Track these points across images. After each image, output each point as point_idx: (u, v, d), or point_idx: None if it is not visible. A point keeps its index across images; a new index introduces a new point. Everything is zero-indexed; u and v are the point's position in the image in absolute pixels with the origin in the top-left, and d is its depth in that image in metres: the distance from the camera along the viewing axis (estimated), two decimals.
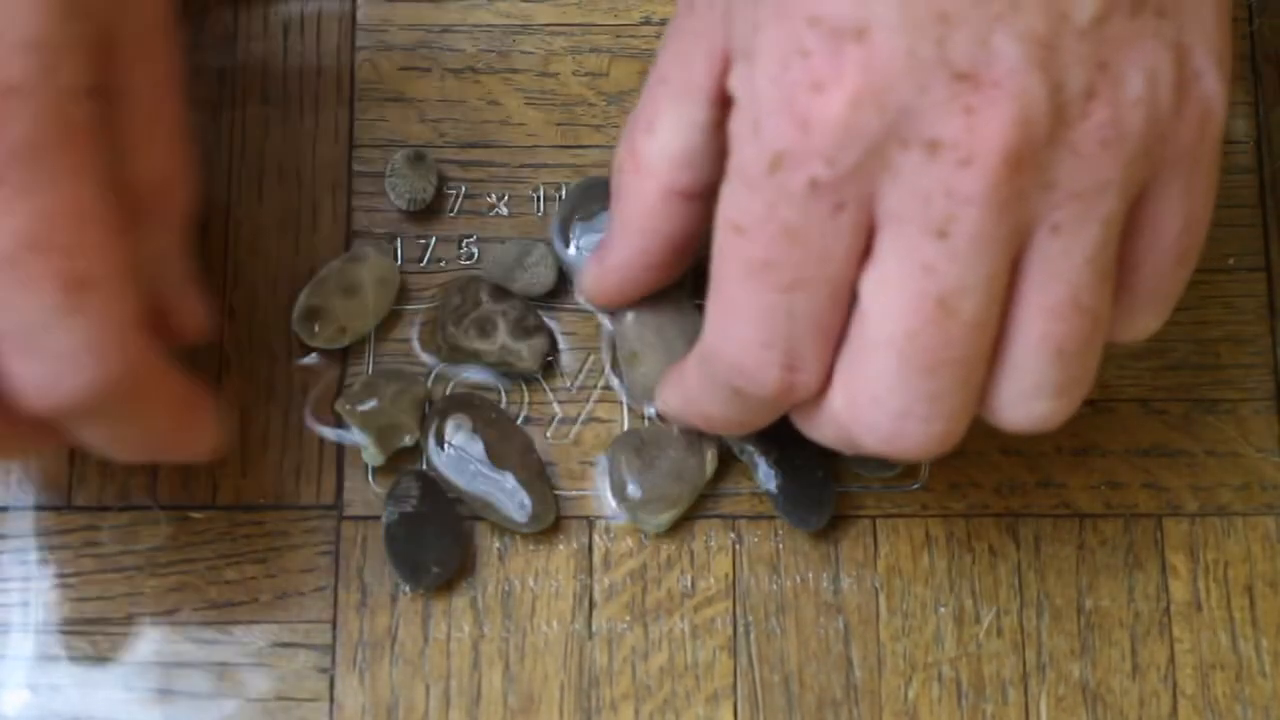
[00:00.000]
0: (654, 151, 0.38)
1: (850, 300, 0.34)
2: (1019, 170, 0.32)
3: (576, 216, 0.45)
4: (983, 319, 0.33)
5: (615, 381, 0.45)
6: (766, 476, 0.44)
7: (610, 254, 0.40)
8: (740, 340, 0.35)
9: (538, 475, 0.44)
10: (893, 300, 0.33)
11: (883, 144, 0.32)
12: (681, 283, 0.43)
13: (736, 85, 0.34)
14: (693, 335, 0.44)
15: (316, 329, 0.45)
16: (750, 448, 0.44)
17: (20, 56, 0.31)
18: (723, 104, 0.36)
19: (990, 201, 0.32)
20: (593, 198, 0.45)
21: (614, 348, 0.45)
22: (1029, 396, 0.35)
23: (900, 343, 0.33)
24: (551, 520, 0.44)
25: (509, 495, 0.44)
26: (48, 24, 0.32)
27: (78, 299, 0.32)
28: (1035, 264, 0.33)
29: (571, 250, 0.45)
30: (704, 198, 0.38)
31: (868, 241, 0.33)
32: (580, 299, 0.40)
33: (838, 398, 0.35)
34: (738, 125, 0.34)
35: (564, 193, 0.46)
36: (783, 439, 0.44)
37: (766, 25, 0.33)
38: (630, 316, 0.44)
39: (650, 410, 0.45)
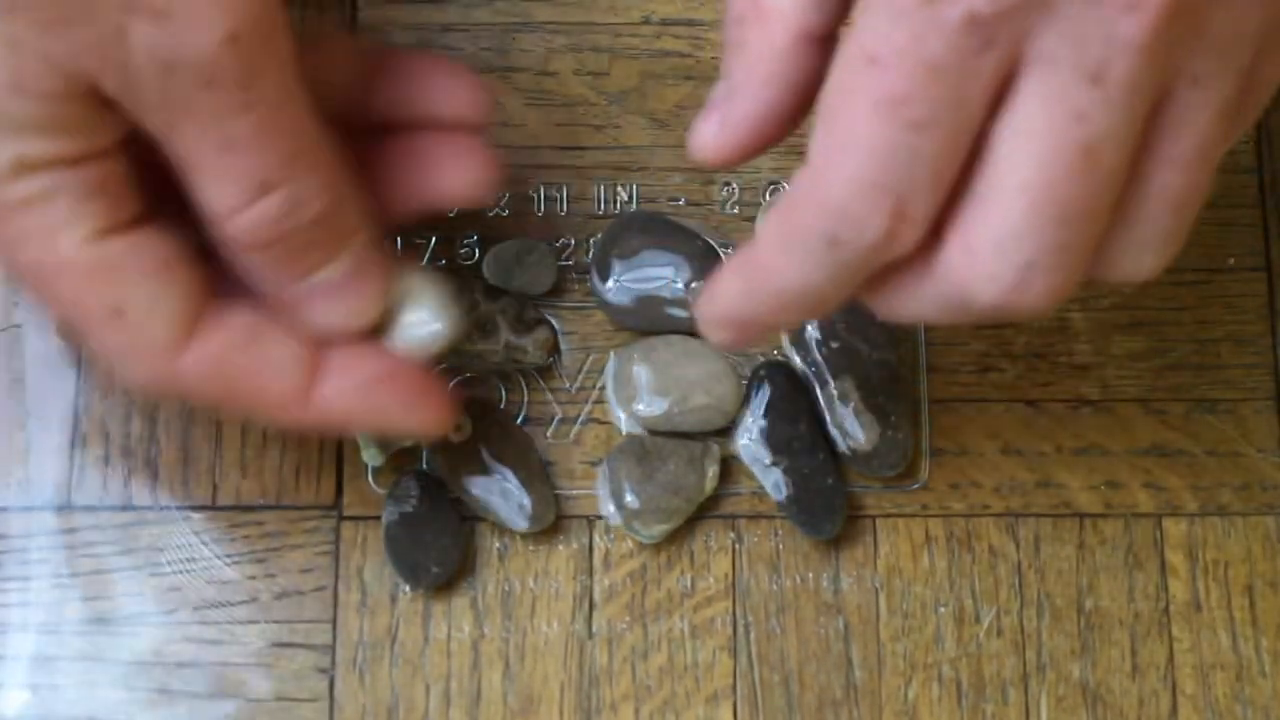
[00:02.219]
0: None
1: (972, 148, 0.33)
2: (1179, 16, 0.31)
3: (614, 253, 0.45)
4: (1121, 168, 0.33)
5: (620, 414, 0.45)
6: (776, 486, 0.44)
7: (734, 109, 0.37)
8: (852, 178, 0.33)
9: (538, 475, 0.44)
10: (1034, 146, 0.32)
11: None
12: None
13: None
14: (697, 376, 0.44)
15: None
16: (761, 459, 0.44)
17: None
18: None
19: (1148, 48, 0.31)
20: (631, 233, 0.45)
21: (615, 381, 0.45)
22: (1141, 249, 0.35)
23: (1037, 190, 0.32)
24: (551, 520, 0.44)
25: (509, 495, 0.44)
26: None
27: (70, 331, 0.37)
28: (1172, 114, 0.33)
29: (611, 285, 0.45)
30: (831, 40, 0.36)
31: (1004, 85, 0.32)
32: (696, 155, 0.38)
33: (954, 250, 0.34)
34: None
35: (597, 236, 0.46)
36: (792, 448, 0.44)
37: None
38: (637, 354, 0.44)
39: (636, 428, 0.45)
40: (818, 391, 0.45)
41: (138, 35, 0.33)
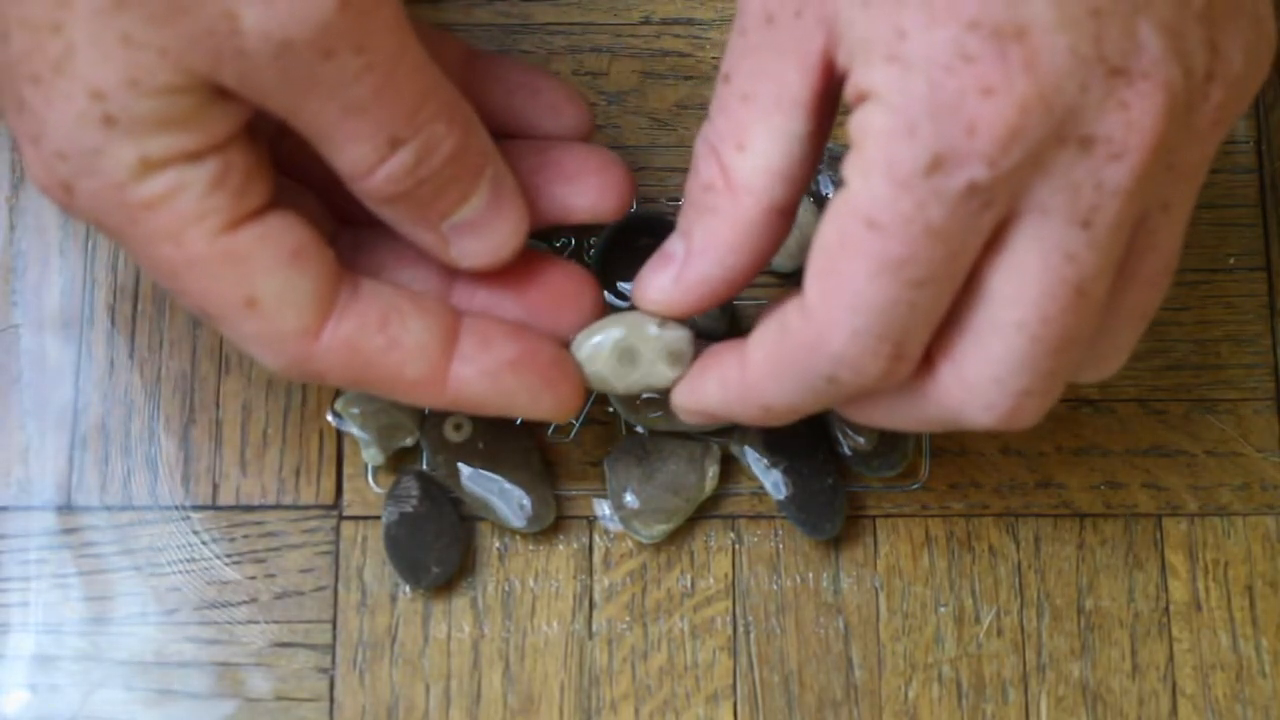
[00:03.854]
0: (749, 169, 0.37)
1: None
2: (1158, 157, 0.33)
3: (615, 253, 0.45)
4: (1105, 297, 0.35)
5: (622, 414, 0.45)
6: (776, 486, 0.44)
7: (693, 270, 0.39)
8: (854, 333, 0.34)
9: (538, 475, 0.44)
10: (1029, 287, 0.34)
11: (1042, 145, 0.32)
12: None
13: (879, 81, 0.33)
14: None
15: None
16: (761, 458, 0.44)
17: (59, 163, 0.34)
18: (819, 110, 0.36)
19: (1132, 190, 0.33)
20: (631, 234, 0.45)
21: (617, 400, 0.45)
22: (1108, 358, 0.37)
23: (1034, 327, 0.34)
24: (550, 521, 0.44)
25: (508, 495, 0.44)
26: (75, 137, 0.34)
27: (208, 324, 0.37)
28: (1144, 239, 0.35)
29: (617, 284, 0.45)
30: (791, 216, 0.38)
31: (998, 231, 0.34)
32: (642, 303, 0.39)
33: (948, 381, 0.36)
34: (880, 121, 0.33)
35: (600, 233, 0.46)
36: (792, 449, 0.44)
37: (916, 31, 0.33)
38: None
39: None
40: None
41: (249, 18, 0.33)
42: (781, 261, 0.46)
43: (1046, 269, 0.34)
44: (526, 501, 0.44)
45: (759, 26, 0.36)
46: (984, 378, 0.35)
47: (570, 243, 0.46)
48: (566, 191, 0.40)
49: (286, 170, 0.39)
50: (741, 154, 0.37)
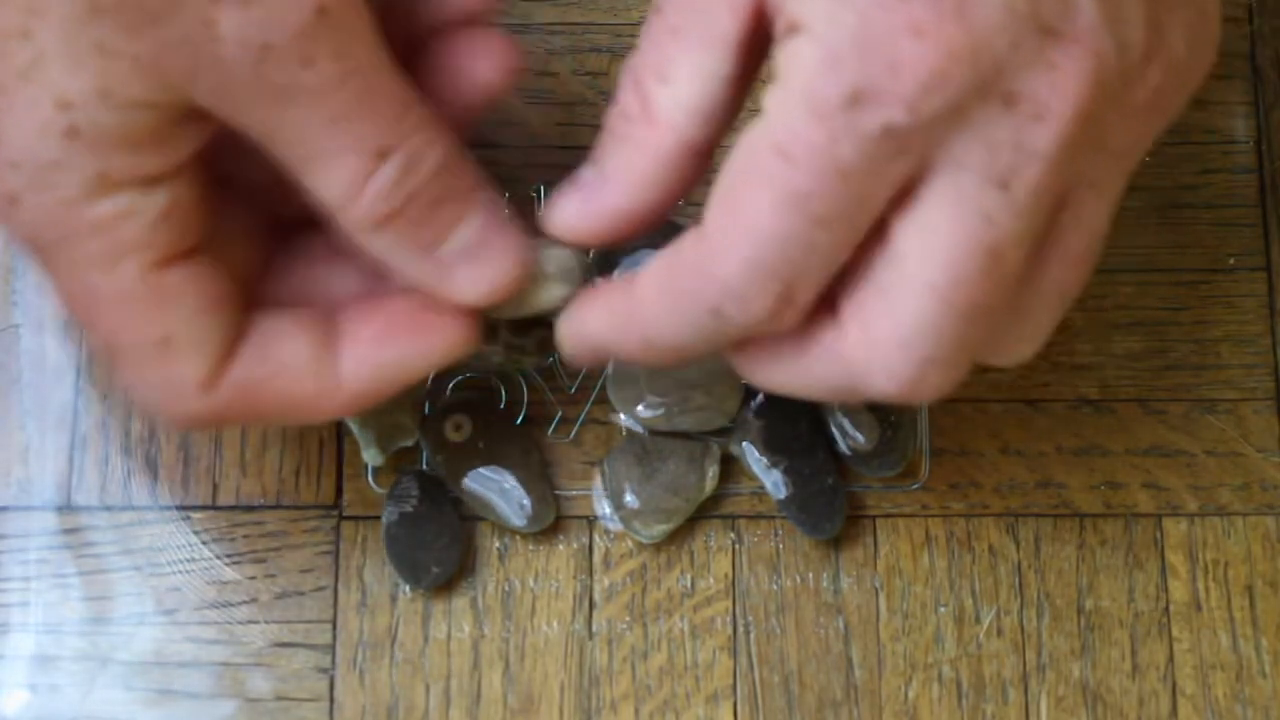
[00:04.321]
0: (669, 103, 0.36)
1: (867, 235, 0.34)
2: (1085, 127, 0.32)
3: (614, 253, 0.45)
4: (1021, 267, 0.34)
5: (621, 415, 0.45)
6: (776, 486, 0.44)
7: (602, 198, 0.38)
8: (746, 260, 0.34)
9: (538, 475, 0.44)
10: (942, 246, 0.33)
11: (964, 95, 0.32)
12: None
13: (808, 12, 0.33)
14: (697, 376, 0.44)
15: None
16: (761, 458, 0.44)
17: (11, 173, 0.33)
18: (745, 53, 0.35)
19: (1054, 157, 0.32)
20: None
21: (615, 382, 0.45)
22: (1024, 339, 0.36)
23: (944, 289, 0.33)
24: (551, 520, 0.44)
25: (508, 495, 0.44)
26: (33, 149, 0.33)
27: (113, 362, 0.36)
28: (1068, 215, 0.34)
29: (615, 277, 0.45)
30: (708, 157, 0.37)
31: (909, 182, 0.33)
32: (552, 227, 0.38)
33: (853, 335, 0.35)
34: (806, 51, 0.33)
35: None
36: (792, 449, 0.44)
37: None
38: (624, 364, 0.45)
39: (627, 421, 0.45)
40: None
41: (228, 23, 0.33)
42: None
43: (962, 228, 0.33)
44: (526, 501, 0.44)
45: None
46: (889, 338, 0.34)
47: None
48: (460, 79, 0.39)
49: (218, 176, 0.37)
50: (663, 86, 0.36)
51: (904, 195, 0.33)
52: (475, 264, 0.37)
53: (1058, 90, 0.32)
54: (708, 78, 0.36)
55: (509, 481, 0.44)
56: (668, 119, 0.36)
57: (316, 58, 0.34)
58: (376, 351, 0.38)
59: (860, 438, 0.44)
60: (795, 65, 0.33)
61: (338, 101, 0.35)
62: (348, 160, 0.35)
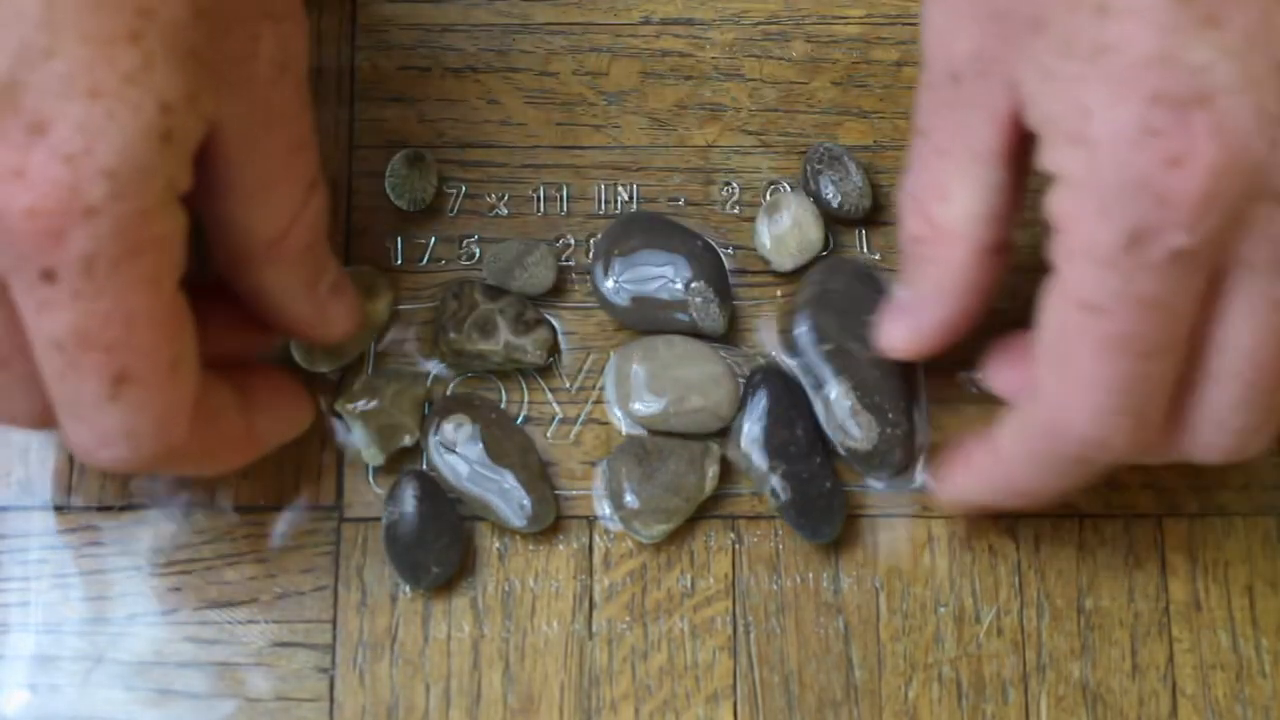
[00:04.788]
0: (955, 217, 0.39)
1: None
2: None
3: (615, 251, 0.45)
4: None
5: (617, 412, 0.45)
6: (775, 491, 0.44)
7: (926, 317, 0.41)
8: (1094, 411, 0.35)
9: (538, 475, 0.44)
10: (1242, 337, 0.35)
11: (1239, 205, 0.33)
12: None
13: (1065, 166, 0.34)
14: (695, 378, 0.44)
15: (314, 356, 0.45)
16: (759, 463, 0.44)
17: (101, 182, 0.32)
18: (1013, 159, 0.37)
19: None
20: (631, 233, 0.45)
21: (614, 378, 0.45)
22: None
23: (1249, 374, 0.35)
24: (551, 520, 0.44)
25: (509, 495, 0.44)
26: (134, 153, 0.33)
27: (116, 389, 0.35)
28: None
29: (610, 283, 0.45)
30: (1007, 250, 0.40)
31: (1213, 285, 0.35)
32: (887, 351, 0.43)
33: (1175, 431, 0.37)
34: (1075, 206, 0.34)
35: (598, 235, 0.46)
36: (789, 453, 0.44)
37: (1100, 109, 0.33)
38: (637, 353, 0.44)
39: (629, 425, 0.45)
40: (813, 394, 0.45)
41: (266, 40, 0.34)
42: (781, 261, 0.46)
43: (1256, 319, 0.35)
44: (526, 501, 0.44)
45: (945, 83, 0.38)
46: (1205, 423, 0.36)
47: (570, 243, 0.46)
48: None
49: None
50: (945, 204, 0.39)
51: (1209, 298, 0.35)
52: (342, 300, 0.41)
53: None
54: (984, 188, 0.38)
55: (509, 481, 0.44)
56: (957, 232, 0.39)
57: (300, 85, 0.36)
58: (273, 413, 0.42)
59: (859, 437, 0.44)
60: (1069, 219, 0.34)
61: (300, 128, 0.37)
62: (295, 190, 0.37)
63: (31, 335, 0.34)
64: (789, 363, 0.45)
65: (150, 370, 0.35)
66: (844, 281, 0.45)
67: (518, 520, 0.44)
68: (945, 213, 0.39)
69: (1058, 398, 0.36)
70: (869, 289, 0.45)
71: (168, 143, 0.33)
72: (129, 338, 0.34)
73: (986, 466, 0.40)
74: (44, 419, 0.36)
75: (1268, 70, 0.32)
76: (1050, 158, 0.35)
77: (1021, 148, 0.37)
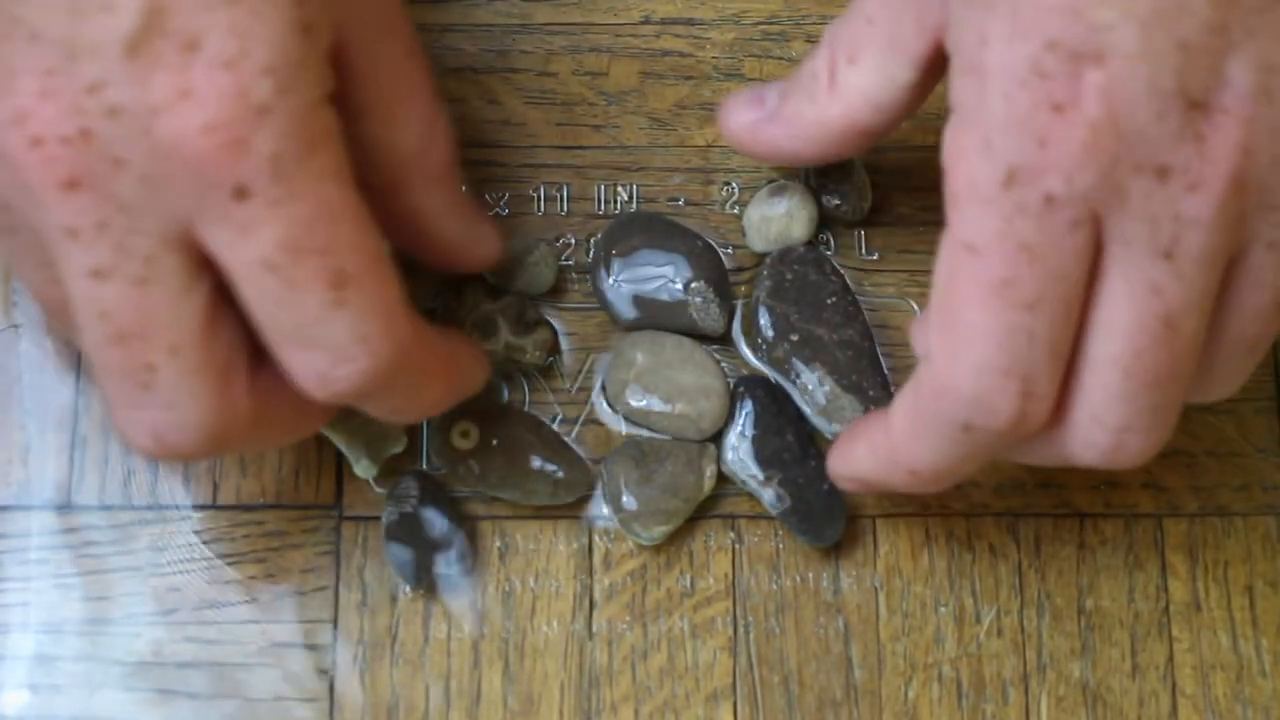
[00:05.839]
0: (851, 82, 0.39)
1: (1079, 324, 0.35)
2: (1242, 192, 0.33)
3: (615, 251, 0.45)
4: (1200, 330, 0.35)
5: (604, 400, 0.45)
6: (773, 502, 0.44)
7: (770, 130, 0.42)
8: (979, 367, 0.35)
9: (558, 445, 0.44)
10: (1119, 320, 0.34)
11: (1116, 168, 0.33)
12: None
13: (960, 97, 0.35)
14: (689, 383, 0.44)
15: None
16: (754, 474, 0.44)
17: (265, 80, 0.32)
18: (925, 69, 0.38)
19: (1214, 223, 0.33)
20: (631, 233, 0.45)
21: (613, 364, 0.45)
22: (1217, 385, 0.38)
23: (1126, 361, 0.35)
24: (588, 483, 0.44)
25: (540, 477, 0.44)
26: (286, 47, 0.33)
27: (341, 294, 0.34)
28: (1246, 274, 0.35)
29: (610, 283, 0.45)
30: (871, 140, 0.40)
31: (1095, 264, 0.34)
32: (721, 125, 0.43)
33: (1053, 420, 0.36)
34: (963, 141, 0.34)
35: (598, 236, 0.46)
36: (783, 460, 0.44)
37: (997, 43, 0.33)
38: (641, 343, 0.44)
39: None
40: (791, 387, 0.45)
41: None
42: (754, 241, 0.46)
43: (1133, 301, 0.34)
44: (561, 474, 0.44)
45: None
46: (1083, 414, 0.36)
47: (570, 243, 0.46)
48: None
49: None
50: (850, 67, 0.39)
51: (1091, 278, 0.34)
52: (486, 218, 0.42)
53: (1208, 160, 0.33)
54: (887, 77, 0.39)
55: (535, 462, 0.44)
56: (845, 96, 0.40)
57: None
58: (467, 350, 0.42)
59: (846, 420, 0.44)
60: (957, 154, 0.35)
61: (412, 37, 0.38)
62: (424, 101, 0.38)
63: (236, 275, 0.34)
64: (757, 364, 0.45)
65: (366, 266, 0.34)
66: (794, 270, 0.45)
67: (563, 495, 0.44)
68: (847, 74, 0.39)
69: (942, 355, 0.36)
70: (820, 274, 0.45)
71: (310, 35, 0.33)
72: (336, 234, 0.34)
73: (878, 439, 0.39)
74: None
75: (1168, 46, 0.32)
76: (952, 85, 0.35)
77: (938, 64, 0.37)
